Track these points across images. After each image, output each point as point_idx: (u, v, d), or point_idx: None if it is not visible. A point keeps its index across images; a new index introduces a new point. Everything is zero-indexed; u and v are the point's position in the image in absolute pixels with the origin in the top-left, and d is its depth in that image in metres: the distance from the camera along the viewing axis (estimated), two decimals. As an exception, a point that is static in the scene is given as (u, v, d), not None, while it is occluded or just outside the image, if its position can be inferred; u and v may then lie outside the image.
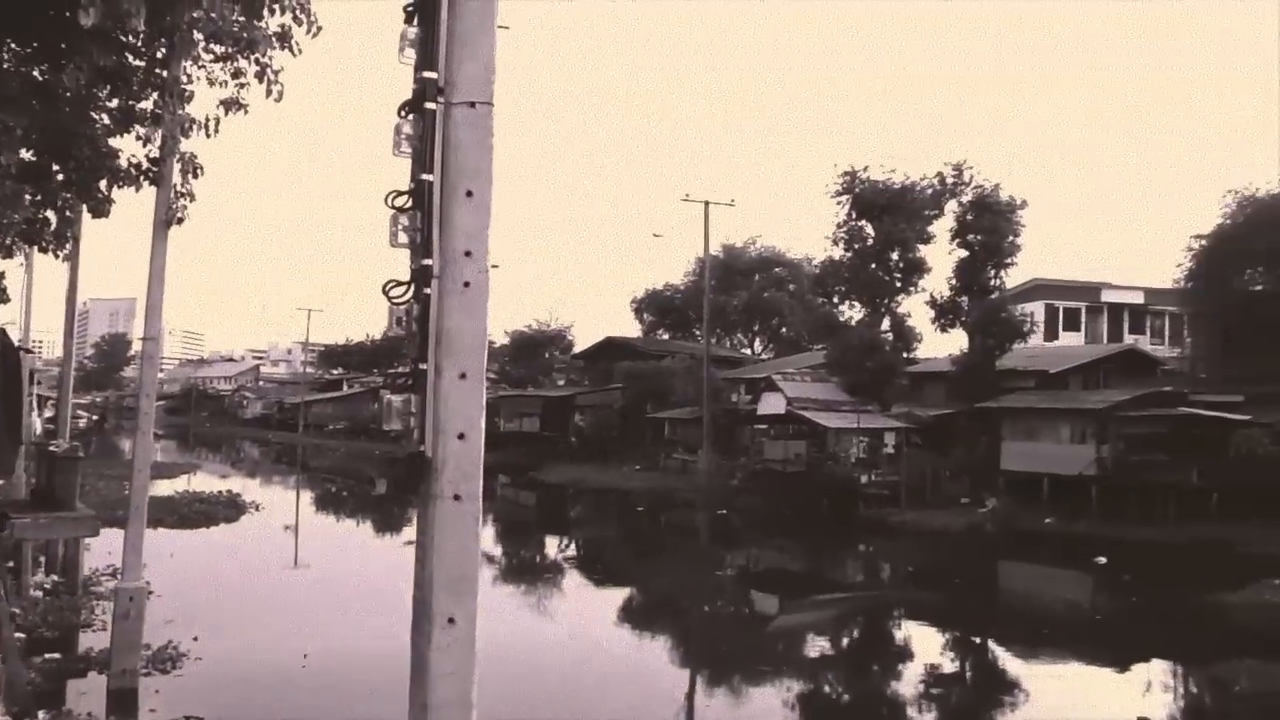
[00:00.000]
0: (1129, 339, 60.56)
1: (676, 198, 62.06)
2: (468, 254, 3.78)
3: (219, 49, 12.90)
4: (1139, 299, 63.45)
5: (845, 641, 25.49)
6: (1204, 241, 44.00)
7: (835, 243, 50.65)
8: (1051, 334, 60.62)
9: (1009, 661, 22.70)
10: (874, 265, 49.38)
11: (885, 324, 50.05)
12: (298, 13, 12.45)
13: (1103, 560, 31.57)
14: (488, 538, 38.14)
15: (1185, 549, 31.93)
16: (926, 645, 23.44)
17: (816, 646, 24.60)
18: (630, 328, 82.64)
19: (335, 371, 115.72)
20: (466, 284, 3.77)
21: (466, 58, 3.89)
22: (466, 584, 3.70)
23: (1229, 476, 34.57)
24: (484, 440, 3.85)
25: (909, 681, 20.41)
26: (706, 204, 56.69)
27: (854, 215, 49.71)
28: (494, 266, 3.87)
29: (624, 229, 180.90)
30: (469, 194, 3.82)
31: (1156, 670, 21.52)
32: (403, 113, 3.92)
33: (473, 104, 3.85)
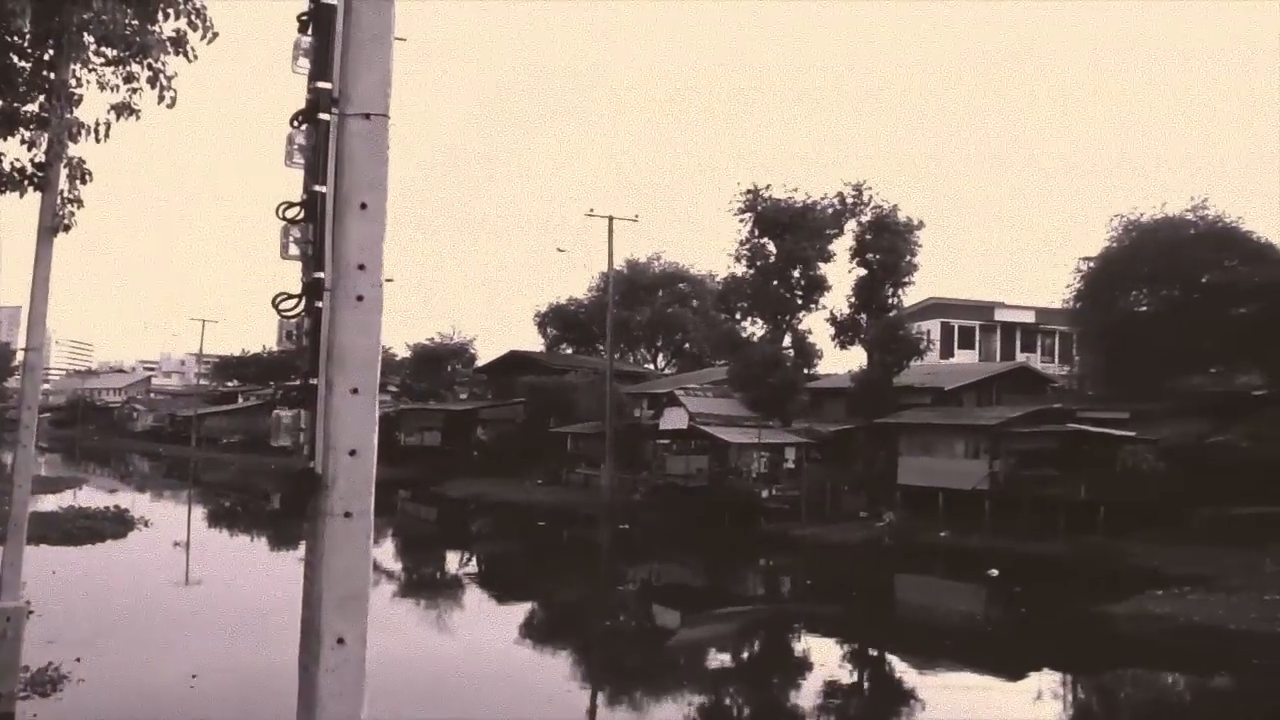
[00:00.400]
0: (1021, 357, 62.16)
1: (581, 212, 62.17)
2: (361, 267, 3.72)
3: (110, 52, 12.53)
4: (1030, 318, 65.17)
5: (746, 655, 25.67)
6: (1091, 264, 45.38)
7: (738, 259, 51.16)
8: (947, 351, 62.00)
9: (905, 672, 23.08)
10: (776, 282, 49.94)
11: (787, 340, 50.62)
12: (193, 18, 12.19)
13: (995, 573, 32.32)
14: (387, 553, 37.61)
15: (1074, 561, 32.83)
16: (826, 657, 23.73)
17: (718, 660, 24.74)
18: (534, 342, 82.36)
19: (230, 384, 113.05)
20: (360, 297, 3.71)
21: (362, 69, 3.83)
22: (357, 603, 3.62)
23: (1115, 491, 35.62)
24: (378, 456, 3.79)
25: (808, 693, 20.61)
26: (610, 219, 56.87)
27: (756, 233, 50.24)
28: (388, 280, 3.82)
29: (528, 243, 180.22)
30: (363, 206, 3.76)
31: (1047, 679, 22.07)
32: (295, 123, 3.84)
33: (368, 115, 3.80)
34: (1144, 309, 44.44)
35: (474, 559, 41.18)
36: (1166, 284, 43.50)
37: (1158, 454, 36.27)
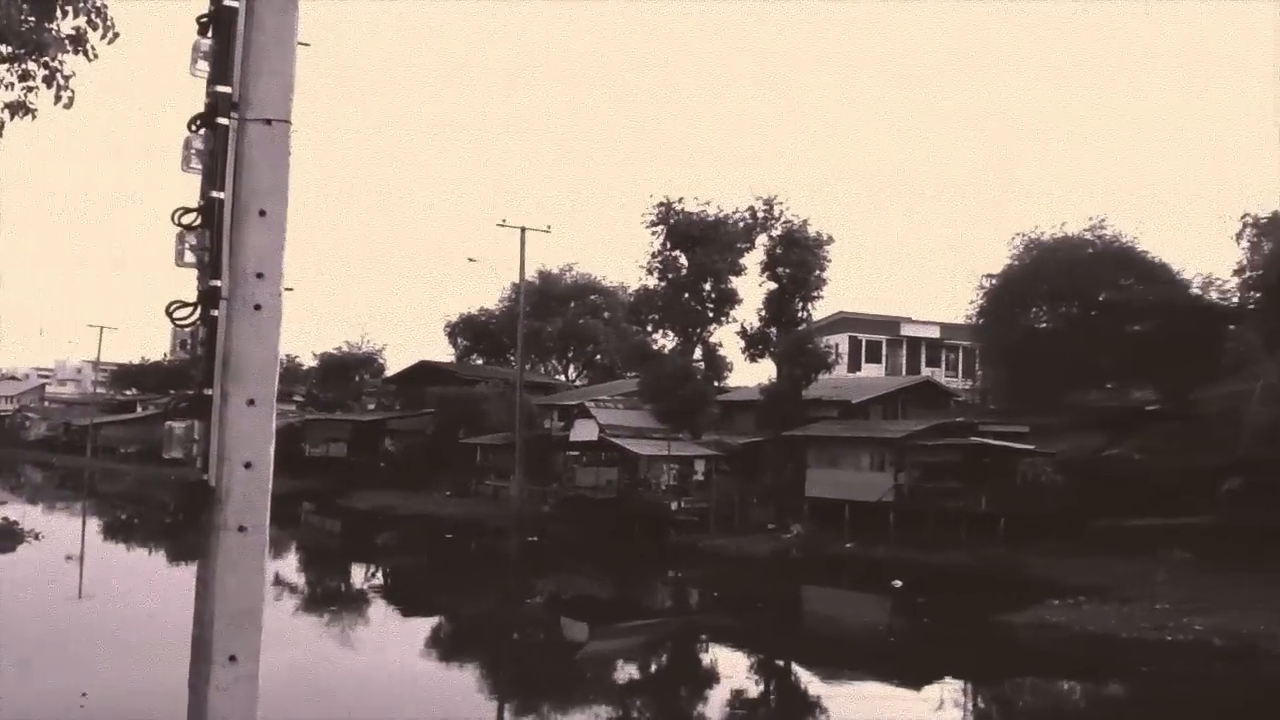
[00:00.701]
0: (926, 371, 63.29)
1: (492, 222, 61.67)
2: (260, 276, 3.64)
3: (4, 49, 12.11)
4: (935, 333, 66.41)
5: (653, 667, 25.70)
6: (993, 281, 46.37)
7: (650, 272, 51.35)
8: (855, 365, 62.81)
9: (811, 682, 23.34)
10: (687, 295, 50.22)
11: (697, 353, 50.92)
12: (93, 16, 11.86)
13: (899, 583, 32.83)
14: (290, 566, 36.91)
15: (975, 572, 33.48)
16: (732, 668, 23.86)
17: (625, 673, 24.73)
18: (444, 352, 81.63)
19: (129, 392, 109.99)
20: (258, 306, 3.62)
21: (264, 73, 3.75)
22: (250, 619, 3.53)
23: (1015, 503, 36.46)
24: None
25: (715, 705, 20.71)
26: (523, 229, 56.57)
27: (668, 245, 50.49)
28: (289, 289, 3.74)
29: (438, 252, 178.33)
30: (263, 213, 3.68)
31: (948, 689, 22.48)
32: (193, 127, 3.74)
33: (269, 121, 3.72)
34: (1044, 325, 45.54)
35: (379, 572, 40.60)
36: (1065, 301, 44.65)
37: (1056, 466, 37.19)
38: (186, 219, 3.70)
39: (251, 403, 3.59)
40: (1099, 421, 40.69)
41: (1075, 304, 44.35)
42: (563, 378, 78.20)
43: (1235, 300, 40.80)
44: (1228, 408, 31.88)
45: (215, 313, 3.60)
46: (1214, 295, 41.72)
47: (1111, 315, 41.93)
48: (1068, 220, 55.80)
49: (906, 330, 66.75)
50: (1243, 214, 38.03)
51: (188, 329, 3.68)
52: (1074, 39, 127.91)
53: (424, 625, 29.10)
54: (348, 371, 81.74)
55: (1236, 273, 39.88)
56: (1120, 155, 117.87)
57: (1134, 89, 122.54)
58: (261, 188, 3.70)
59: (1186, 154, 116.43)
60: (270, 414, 3.64)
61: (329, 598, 33.46)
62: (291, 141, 3.81)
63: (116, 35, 12.12)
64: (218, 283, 3.61)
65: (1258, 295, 38.95)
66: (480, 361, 79.71)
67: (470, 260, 73.12)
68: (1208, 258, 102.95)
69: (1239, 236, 38.40)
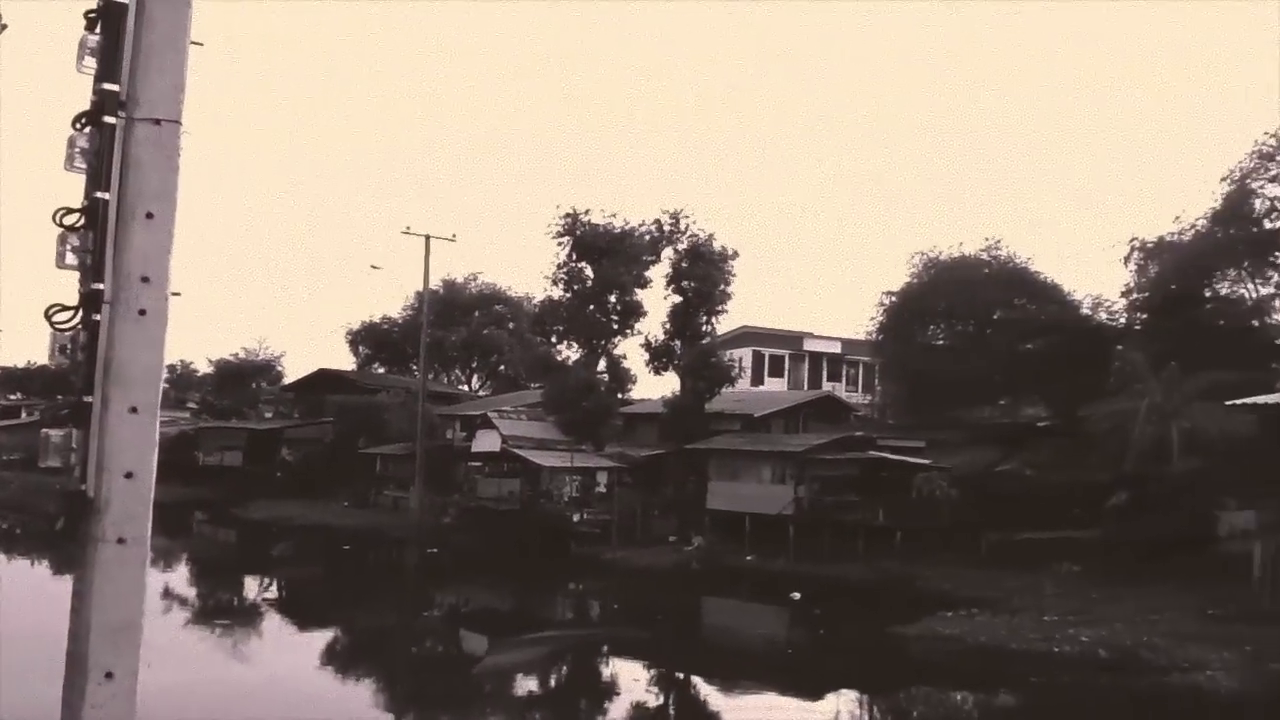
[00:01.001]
0: (827, 386, 64.16)
1: (397, 229, 60.98)
2: (145, 280, 3.53)
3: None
4: (837, 349, 67.41)
5: (553, 680, 25.58)
6: (893, 298, 47.30)
7: (555, 283, 51.30)
8: (758, 379, 63.41)
9: (709, 694, 23.44)
10: (592, 307, 50.26)
11: (602, 365, 50.96)
12: (-21, 8, 11.46)
13: (797, 596, 33.20)
14: (180, 579, 35.95)
15: (871, 584, 34.01)
16: (632, 681, 23.87)
17: (524, 686, 24.58)
18: (345, 360, 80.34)
19: (12, 397, 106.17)
20: (142, 311, 3.51)
21: (154, 72, 3.65)
22: (128, 634, 3.42)
23: (911, 516, 37.15)
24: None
25: (614, 718, 20.69)
26: (427, 237, 56.09)
27: (574, 257, 50.49)
28: (175, 294, 3.64)
29: (340, 259, 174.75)
30: (149, 216, 3.57)
31: (844, 699, 22.77)
32: (78, 125, 3.63)
33: (158, 121, 3.62)
34: (941, 342, 46.56)
35: (274, 584, 39.74)
36: (962, 319, 45.74)
37: (950, 481, 38.00)
38: (69, 220, 3.58)
39: (134, 410, 3.48)
40: (992, 437, 41.70)
41: (971, 322, 45.45)
42: (466, 388, 77.61)
43: (1123, 321, 42.23)
44: (1114, 425, 32.94)
45: (97, 317, 3.49)
46: (1103, 316, 43.14)
47: (1005, 333, 43.06)
48: (965, 240, 57.25)
49: (809, 345, 67.64)
50: (1131, 238, 39.48)
51: (68, 333, 3.56)
52: (991, 51, 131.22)
53: (319, 638, 28.56)
54: (245, 378, 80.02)
55: (1124, 294, 41.32)
56: (1022, 176, 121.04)
57: (1043, 108, 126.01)
58: (149, 189, 3.60)
59: (1083, 178, 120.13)
60: (154, 422, 3.53)
61: (220, 611, 32.65)
62: (182, 142, 3.72)
63: (4, 27, 11.74)
64: (100, 286, 3.50)
65: (1143, 316, 40.40)
66: (382, 370, 78.68)
67: (374, 268, 72.40)
68: (1098, 280, 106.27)
69: (1127, 260, 39.82)
